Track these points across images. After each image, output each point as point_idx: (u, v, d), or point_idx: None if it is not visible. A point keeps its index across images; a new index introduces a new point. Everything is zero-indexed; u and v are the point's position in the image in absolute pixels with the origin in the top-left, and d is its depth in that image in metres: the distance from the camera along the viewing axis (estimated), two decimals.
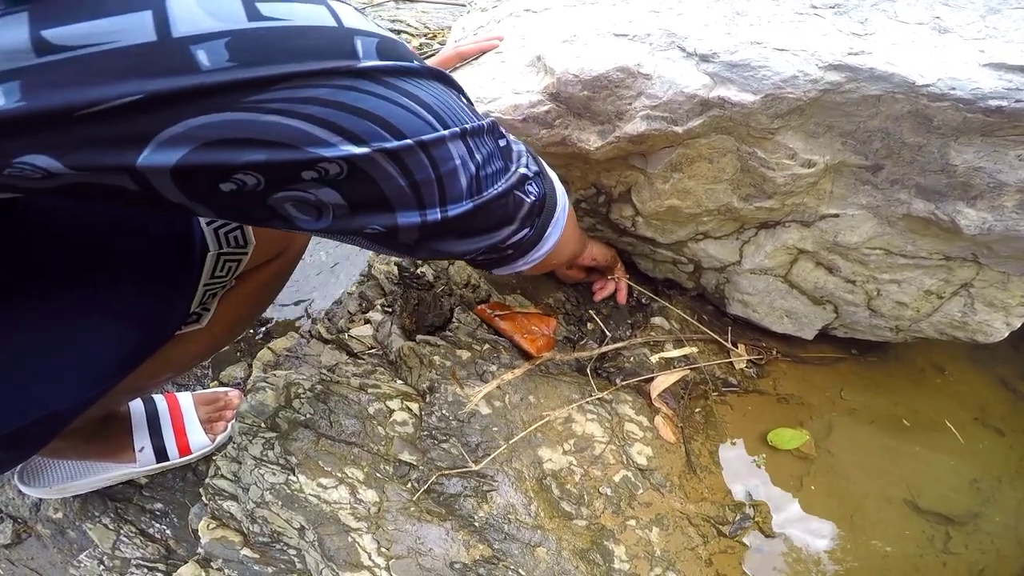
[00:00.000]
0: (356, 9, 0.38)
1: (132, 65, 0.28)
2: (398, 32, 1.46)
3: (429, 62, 0.87)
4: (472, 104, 0.47)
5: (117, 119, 0.29)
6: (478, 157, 0.45)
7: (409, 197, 0.42)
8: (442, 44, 1.37)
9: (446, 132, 0.41)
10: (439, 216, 0.45)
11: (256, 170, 0.35)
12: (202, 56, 0.30)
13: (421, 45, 1.40)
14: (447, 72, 0.43)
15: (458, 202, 0.45)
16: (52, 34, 0.26)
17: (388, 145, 0.38)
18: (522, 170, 0.51)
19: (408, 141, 0.39)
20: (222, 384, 0.94)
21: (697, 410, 0.83)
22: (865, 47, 0.56)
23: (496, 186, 0.48)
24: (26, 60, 0.26)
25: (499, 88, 0.73)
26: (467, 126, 0.43)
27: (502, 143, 0.50)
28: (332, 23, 0.35)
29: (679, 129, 0.64)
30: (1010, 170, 0.56)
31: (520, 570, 0.66)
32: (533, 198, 0.54)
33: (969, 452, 0.84)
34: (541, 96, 0.69)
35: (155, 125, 0.30)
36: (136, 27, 0.28)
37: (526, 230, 0.55)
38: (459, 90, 0.45)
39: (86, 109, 0.28)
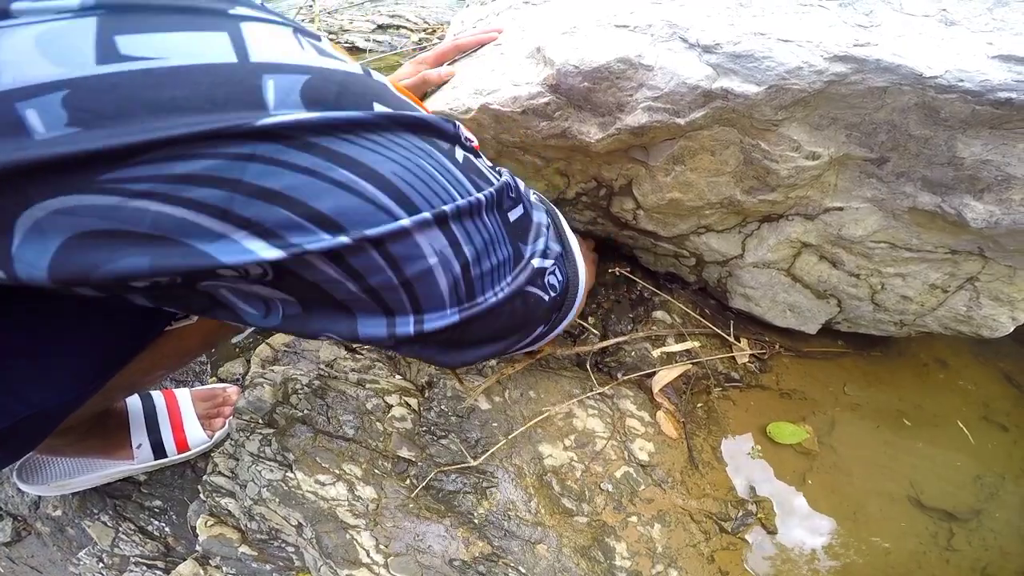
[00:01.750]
0: (295, 29, 0.29)
1: None
2: (396, 28, 1.45)
3: (426, 56, 0.86)
4: (474, 151, 0.37)
5: None
6: (467, 249, 0.34)
7: (368, 304, 0.32)
8: (441, 39, 1.36)
9: (408, 222, 0.30)
10: (411, 330, 0.34)
11: (148, 277, 0.26)
12: (33, 118, 0.22)
13: (420, 40, 1.39)
14: (432, 118, 0.33)
15: (439, 310, 0.34)
16: None
17: (315, 246, 0.28)
18: (537, 261, 0.39)
19: (344, 239, 0.28)
20: (221, 380, 0.93)
21: (699, 405, 0.82)
22: (871, 39, 0.55)
23: (499, 287, 0.37)
24: (85, 69, 0.23)
25: (498, 80, 0.72)
26: (448, 208, 0.32)
27: (514, 215, 0.38)
28: (229, 58, 0.26)
29: (681, 121, 0.63)
30: (1018, 163, 0.55)
31: (520, 567, 0.66)
32: (553, 293, 0.42)
33: (973, 448, 0.83)
34: (541, 88, 0.68)
35: (5, 211, 0.24)
36: None
37: (541, 328, 0.44)
38: (451, 137, 0.35)
39: None
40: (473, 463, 0.71)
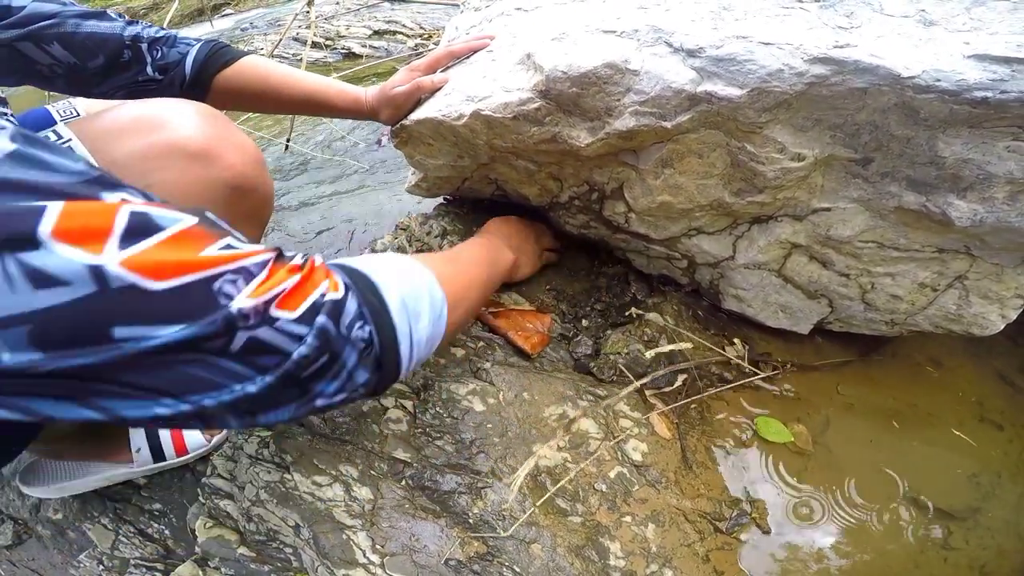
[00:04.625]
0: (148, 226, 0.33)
1: None
2: (393, 33, 1.47)
3: (419, 63, 0.87)
4: (269, 320, 0.38)
5: None
6: (244, 407, 0.40)
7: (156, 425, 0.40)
8: (437, 45, 1.38)
9: (170, 413, 0.37)
10: (202, 428, 0.43)
11: None
12: None
13: (416, 46, 1.41)
14: (194, 331, 0.35)
15: (222, 421, 0.41)
16: None
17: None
18: (321, 401, 0.45)
19: (104, 418, 0.36)
20: None
21: (692, 406, 0.83)
22: (851, 40, 0.56)
23: (280, 412, 0.43)
24: None
25: (489, 86, 0.74)
26: (211, 404, 0.37)
27: (314, 368, 0.41)
28: (91, 288, 0.30)
29: (668, 124, 0.64)
30: (999, 161, 0.56)
31: (515, 567, 0.66)
32: (335, 405, 0.47)
33: (968, 447, 0.83)
34: (531, 94, 0.69)
35: None
36: None
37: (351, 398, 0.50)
38: (225, 332, 0.36)
39: None
40: (468, 464, 0.72)
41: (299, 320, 0.39)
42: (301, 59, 1.34)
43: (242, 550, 0.72)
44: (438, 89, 0.82)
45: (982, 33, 0.54)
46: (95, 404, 0.34)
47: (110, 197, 0.34)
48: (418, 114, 0.81)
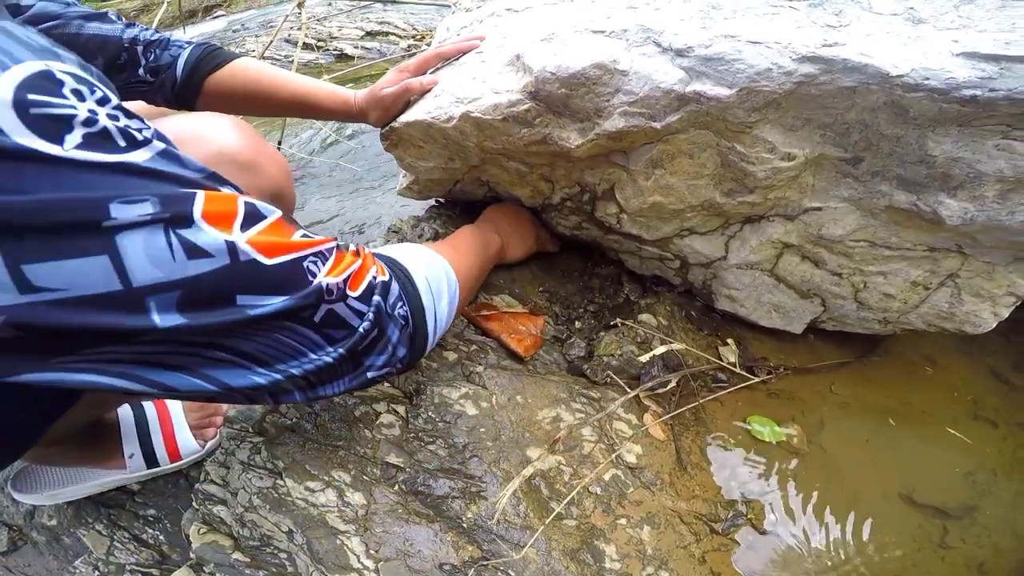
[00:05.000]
0: (165, 224, 0.35)
1: None
2: (385, 34, 1.46)
3: (408, 64, 0.87)
4: (342, 295, 0.45)
5: None
6: (313, 378, 0.46)
7: (241, 399, 0.45)
8: (430, 46, 1.37)
9: (264, 382, 0.43)
10: (272, 403, 0.49)
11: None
12: None
13: (409, 47, 1.40)
14: (287, 303, 0.41)
15: (290, 397, 0.47)
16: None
17: (208, 388, 0.41)
18: (371, 373, 0.51)
19: (213, 388, 0.41)
20: None
21: (687, 407, 0.83)
22: (839, 39, 0.56)
23: (336, 385, 0.49)
24: (11, 298, 0.31)
25: (479, 88, 0.73)
26: (297, 372, 0.44)
27: (367, 340, 0.48)
28: (115, 286, 0.33)
29: (657, 125, 0.64)
30: (988, 160, 0.56)
31: (509, 571, 0.66)
32: (380, 378, 0.54)
33: (963, 445, 0.83)
34: (520, 95, 0.69)
35: None
36: None
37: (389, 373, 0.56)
38: (311, 306, 0.42)
39: None
40: (461, 468, 0.72)
41: (360, 298, 0.46)
42: (293, 60, 1.34)
43: (236, 556, 0.71)
44: (427, 91, 0.81)
45: (971, 31, 0.53)
46: (203, 374, 0.40)
47: (226, 190, 0.40)
48: (407, 116, 0.81)
